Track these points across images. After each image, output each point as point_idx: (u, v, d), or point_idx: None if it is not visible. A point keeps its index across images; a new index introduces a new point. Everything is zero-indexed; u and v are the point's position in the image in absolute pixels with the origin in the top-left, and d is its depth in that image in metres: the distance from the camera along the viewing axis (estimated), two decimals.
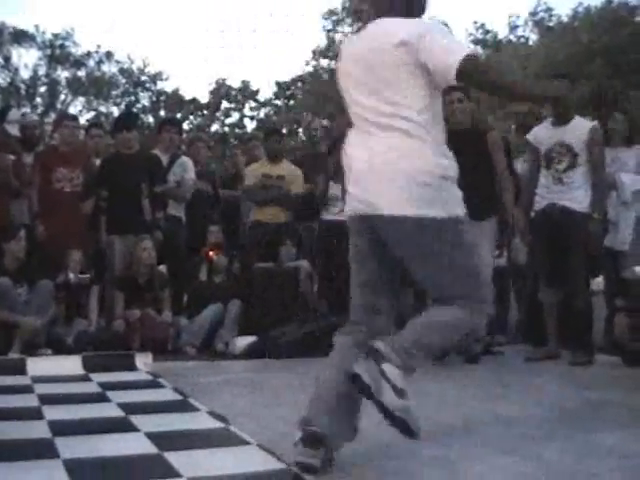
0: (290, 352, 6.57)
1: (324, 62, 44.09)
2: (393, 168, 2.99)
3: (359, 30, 3.46)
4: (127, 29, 62.25)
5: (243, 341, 6.94)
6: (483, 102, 24.88)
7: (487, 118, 23.13)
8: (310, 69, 44.04)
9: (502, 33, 39.57)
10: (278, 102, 45.46)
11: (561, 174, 6.33)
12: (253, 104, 45.49)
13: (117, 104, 42.48)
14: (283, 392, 4.89)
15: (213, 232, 8.02)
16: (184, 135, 11.37)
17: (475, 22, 42.38)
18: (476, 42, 39.12)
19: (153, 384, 5.22)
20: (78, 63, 41.28)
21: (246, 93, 44.98)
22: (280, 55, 67.64)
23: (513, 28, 38.30)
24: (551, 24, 35.59)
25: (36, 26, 39.51)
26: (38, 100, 40.79)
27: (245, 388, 5.14)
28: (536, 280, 6.65)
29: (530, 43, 34.63)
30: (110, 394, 4.69)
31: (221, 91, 43.50)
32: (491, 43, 37.84)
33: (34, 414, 4.08)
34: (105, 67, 42.56)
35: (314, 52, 43.92)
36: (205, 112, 44.19)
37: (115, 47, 54.34)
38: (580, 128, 6.38)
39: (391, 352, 2.89)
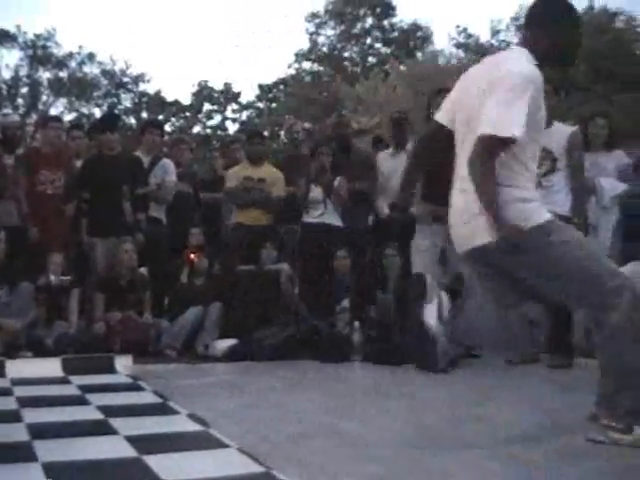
0: (271, 355, 6.57)
1: (306, 65, 44.18)
2: None
3: None
4: (109, 30, 62.17)
5: (224, 344, 6.93)
6: None
7: None
8: (292, 72, 44.11)
9: (484, 37, 39.76)
10: (260, 105, 45.49)
11: (541, 178, 6.34)
12: (235, 106, 45.51)
13: (99, 105, 42.44)
14: (264, 395, 4.89)
15: (194, 234, 8.00)
16: (166, 137, 11.32)
17: (458, 26, 42.49)
18: (458, 46, 39.29)
19: (133, 387, 5.20)
20: (60, 64, 41.22)
21: (228, 95, 44.98)
22: (262, 57, 67.74)
23: (495, 32, 38.46)
24: None
25: (18, 26, 39.51)
26: (19, 101, 40.72)
27: (226, 391, 5.13)
28: None
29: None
30: (90, 397, 4.67)
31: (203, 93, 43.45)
32: (473, 47, 37.97)
33: (13, 417, 4.05)
34: (87, 68, 42.51)
35: (297, 55, 43.98)
36: (187, 114, 44.14)
37: (97, 48, 54.34)
38: (560, 133, 6.42)
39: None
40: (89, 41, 66.94)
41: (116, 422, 3.87)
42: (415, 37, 43.25)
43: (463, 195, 3.52)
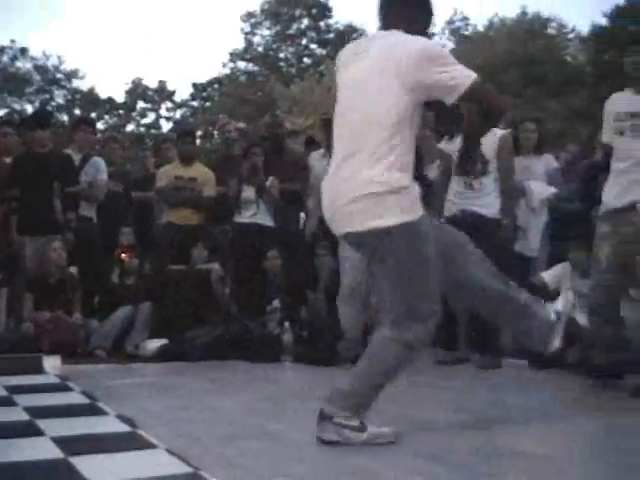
0: (201, 355, 6.55)
1: (242, 64, 44.09)
2: None
3: None
4: (42, 24, 61.34)
5: (154, 344, 6.89)
6: None
7: None
8: (227, 71, 43.98)
9: None
10: (195, 103, 45.31)
11: (472, 180, 6.43)
12: (169, 105, 45.27)
13: (31, 101, 41.81)
14: (194, 396, 4.86)
15: (125, 233, 7.95)
16: (99, 135, 11.22)
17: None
18: None
19: (61, 387, 5.13)
20: None
21: (163, 94, 44.74)
22: (197, 56, 67.44)
23: (430, 36, 38.76)
24: (467, 33, 36.16)
25: None
26: None
27: (155, 392, 5.10)
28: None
29: None
30: (16, 398, 4.60)
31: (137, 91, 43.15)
32: None
33: None
34: (19, 63, 41.86)
35: (232, 54, 43.88)
36: (121, 112, 43.79)
37: (30, 43, 53.60)
38: (490, 136, 6.47)
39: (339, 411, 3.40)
40: (21, 35, 65.89)
41: (43, 423, 3.81)
42: (351, 39, 43.47)
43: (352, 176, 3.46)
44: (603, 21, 27.64)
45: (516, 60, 27.24)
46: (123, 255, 7.65)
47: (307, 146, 9.07)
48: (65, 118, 39.24)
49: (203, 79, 45.32)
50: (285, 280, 7.65)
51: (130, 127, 44.00)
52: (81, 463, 3.03)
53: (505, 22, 30.75)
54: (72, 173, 7.66)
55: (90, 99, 42.61)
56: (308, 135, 10.96)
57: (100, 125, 37.74)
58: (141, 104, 44.93)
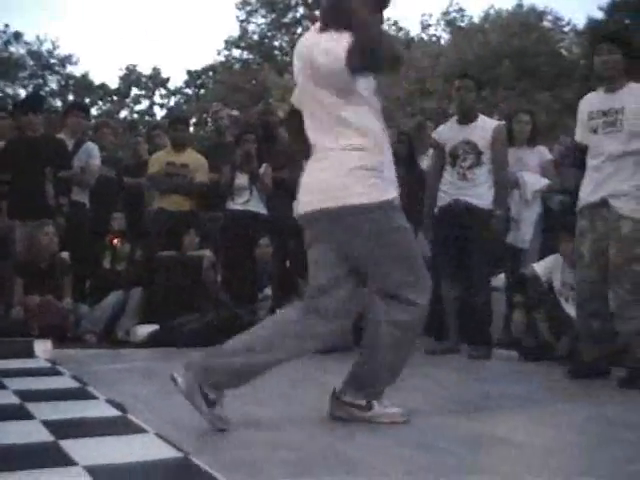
0: (191, 341, 6.54)
1: (236, 52, 43.98)
2: None
3: None
4: (37, 8, 61.11)
5: (144, 329, 6.90)
6: (393, 100, 25.17)
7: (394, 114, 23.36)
8: (222, 59, 43.86)
9: (414, 31, 40.04)
10: (189, 91, 45.19)
11: (466, 171, 6.44)
12: (163, 92, 45.15)
13: (24, 86, 41.59)
14: None
15: (117, 219, 7.95)
16: (92, 121, 11.19)
17: (388, 19, 42.64)
18: None
19: (51, 371, 5.13)
20: None
21: (156, 80, 44.61)
22: (192, 43, 67.28)
23: (425, 27, 38.75)
24: (462, 24, 36.14)
25: None
26: None
27: (145, 377, 5.10)
28: (438, 275, 6.75)
29: (442, 42, 35.09)
30: (6, 381, 4.59)
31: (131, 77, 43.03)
32: (403, 41, 38.19)
33: None
34: (13, 48, 41.66)
35: (226, 42, 43.74)
36: (115, 98, 43.68)
37: (24, 27, 53.38)
38: (485, 127, 6.51)
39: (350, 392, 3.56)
40: (16, 19, 65.63)
41: (33, 407, 3.82)
42: None
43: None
44: (599, 14, 27.71)
45: (510, 52, 27.23)
46: (115, 241, 7.65)
47: None
48: (59, 104, 39.08)
49: (198, 66, 45.25)
50: (277, 268, 7.64)
51: (123, 114, 43.90)
52: (71, 447, 3.04)
53: (501, 14, 30.75)
54: (65, 158, 7.64)
55: (84, 85, 42.47)
56: None
57: (94, 111, 37.56)
58: (135, 91, 44.79)
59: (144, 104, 44.98)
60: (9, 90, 40.59)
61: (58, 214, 7.42)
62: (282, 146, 8.08)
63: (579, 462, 3.16)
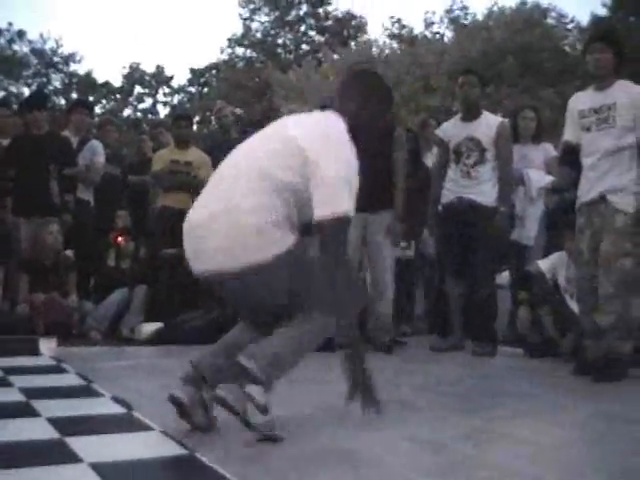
0: (195, 339, 6.53)
1: (239, 50, 43.96)
2: None
3: None
4: (40, 6, 61.11)
5: (149, 327, 6.90)
6: (397, 96, 25.13)
7: (398, 111, 23.33)
8: (225, 57, 43.85)
9: (418, 29, 39.94)
10: (192, 89, 45.20)
11: (470, 168, 6.44)
12: (167, 90, 45.16)
13: (28, 85, 41.62)
14: None
15: (121, 217, 7.95)
16: (96, 119, 11.21)
17: (392, 17, 42.65)
18: (392, 36, 39.42)
19: (57, 369, 5.14)
20: None
21: (160, 79, 44.62)
22: (195, 42, 67.29)
23: (429, 24, 38.67)
24: (466, 22, 36.07)
25: None
26: None
27: (150, 374, 5.10)
28: (443, 272, 6.76)
29: (445, 40, 35.03)
30: (12, 378, 4.60)
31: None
32: (407, 38, 38.15)
33: None
34: (16, 46, 41.68)
35: (230, 40, 43.73)
36: (118, 96, 43.69)
37: (28, 26, 53.34)
38: (488, 123, 6.51)
39: (257, 370, 3.15)
40: (19, 18, 65.60)
41: (38, 404, 3.82)
42: (349, 26, 43.36)
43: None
44: (603, 11, 27.66)
45: (514, 49, 27.18)
46: (119, 238, 7.65)
47: None
48: (62, 102, 39.09)
49: (201, 64, 45.27)
50: None
51: (127, 112, 43.93)
52: (77, 444, 3.04)
53: (504, 11, 30.71)
54: (70, 155, 7.64)
55: (87, 83, 42.48)
56: None
57: (97, 109, 37.62)
58: (138, 89, 44.83)
59: (147, 102, 45.06)
60: (13, 88, 40.64)
61: (64, 211, 7.42)
62: None
63: (583, 458, 3.16)
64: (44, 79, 42.58)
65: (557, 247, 6.41)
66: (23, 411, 3.70)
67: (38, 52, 42.29)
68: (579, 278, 5.50)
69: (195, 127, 29.81)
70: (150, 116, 42.22)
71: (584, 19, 38.17)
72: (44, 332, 6.51)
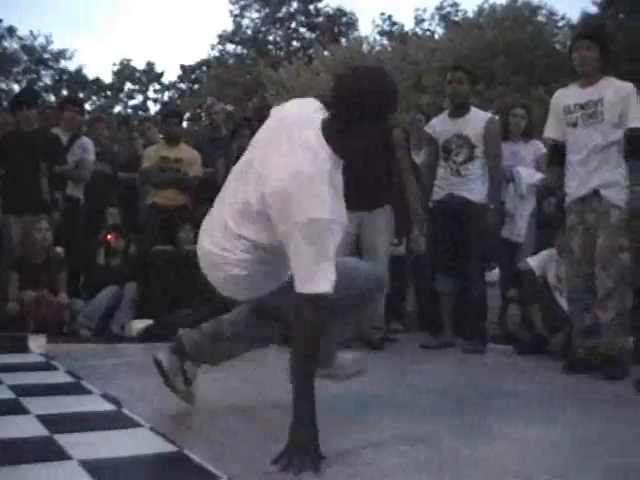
0: None
1: (230, 47, 43.93)
2: None
3: None
4: (30, 4, 60.94)
5: (139, 324, 6.89)
6: None
7: None
8: (216, 54, 43.81)
9: (408, 26, 40.00)
10: (183, 86, 45.14)
11: (459, 166, 6.43)
12: (157, 87, 45.10)
13: (18, 81, 41.51)
14: None
15: (111, 214, 7.94)
16: (86, 116, 11.17)
17: (382, 14, 42.76)
18: (382, 33, 39.48)
19: (46, 366, 5.13)
20: None
21: (150, 75, 44.55)
22: (186, 38, 67.20)
23: (419, 21, 38.74)
24: (457, 19, 36.11)
25: None
26: None
27: (140, 371, 5.08)
28: (433, 269, 6.76)
29: (436, 37, 35.06)
30: (1, 376, 4.57)
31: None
32: (397, 35, 38.19)
33: None
34: (6, 43, 41.55)
35: (220, 36, 43.69)
36: (108, 93, 43.60)
37: (18, 22, 53.17)
38: (477, 120, 6.50)
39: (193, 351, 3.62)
40: (9, 14, 65.39)
41: (28, 401, 3.81)
42: (340, 23, 43.36)
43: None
44: (593, 9, 27.70)
45: (504, 47, 27.21)
46: (109, 236, 7.63)
47: None
48: (52, 99, 38.98)
49: (192, 61, 45.22)
50: None
51: (117, 108, 43.87)
52: (66, 441, 3.04)
53: (495, 9, 30.74)
54: (60, 153, 7.62)
55: (78, 80, 42.40)
56: None
57: (87, 106, 37.47)
58: (129, 85, 44.77)
59: (138, 99, 44.99)
60: (3, 85, 40.54)
61: (54, 209, 7.41)
62: None
63: (574, 456, 3.16)
64: (34, 76, 42.48)
65: (547, 244, 6.42)
66: (12, 408, 3.69)
67: (28, 49, 42.18)
68: (570, 277, 5.50)
69: (185, 124, 29.77)
70: (140, 113, 42.16)
71: (575, 17, 38.21)
72: (34, 330, 6.50)
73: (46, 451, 2.95)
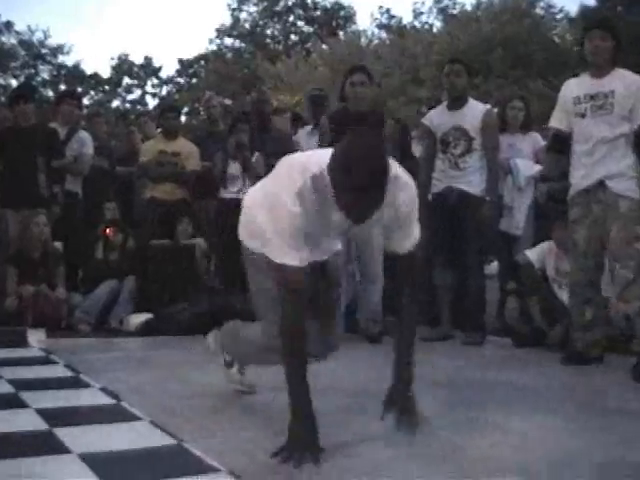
0: (184, 329, 6.54)
1: (228, 41, 43.86)
2: None
3: None
4: None
5: (137, 318, 6.90)
6: (386, 87, 25.16)
7: (388, 102, 23.35)
8: (214, 48, 43.73)
9: (406, 19, 39.95)
10: (181, 80, 45.06)
11: (457, 159, 6.42)
12: (155, 81, 45.02)
13: (16, 76, 41.39)
14: (176, 369, 4.88)
15: (109, 209, 7.93)
16: (85, 111, 11.15)
17: (380, 7, 42.68)
18: (380, 27, 39.40)
19: (45, 360, 5.14)
20: None
21: (148, 70, 44.46)
22: (184, 32, 67.11)
23: (417, 14, 38.65)
24: (455, 12, 36.05)
25: None
26: None
27: (138, 365, 5.11)
28: (431, 262, 6.75)
29: (434, 30, 35.01)
30: (0, 370, 4.60)
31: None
32: (395, 29, 38.11)
33: None
34: (4, 38, 41.45)
35: (218, 31, 43.61)
36: (107, 88, 43.53)
37: (15, 17, 53.05)
38: (474, 111, 6.48)
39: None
40: (6, 9, 65.13)
41: (27, 395, 3.83)
42: (338, 16, 43.30)
43: None
44: (591, 2, 27.67)
45: (502, 40, 27.18)
46: (107, 230, 7.63)
47: (293, 123, 9.03)
48: (50, 94, 38.90)
49: (190, 55, 45.13)
50: None
51: (116, 103, 43.79)
52: (65, 435, 3.05)
53: (492, 2, 30.70)
54: (57, 147, 7.61)
55: (75, 75, 42.30)
56: (294, 112, 10.91)
57: (85, 101, 37.39)
58: (127, 80, 44.67)
59: (136, 93, 44.90)
60: (0, 80, 40.42)
61: (52, 203, 7.40)
62: (276, 134, 8.07)
63: (570, 448, 3.16)
64: (32, 71, 42.37)
65: (546, 237, 6.42)
66: (12, 402, 3.71)
67: (26, 43, 42.05)
68: (573, 270, 5.44)
69: (184, 118, 29.72)
70: (139, 107, 42.08)
71: (573, 9, 38.22)
72: (33, 324, 6.51)
73: (45, 445, 2.96)
